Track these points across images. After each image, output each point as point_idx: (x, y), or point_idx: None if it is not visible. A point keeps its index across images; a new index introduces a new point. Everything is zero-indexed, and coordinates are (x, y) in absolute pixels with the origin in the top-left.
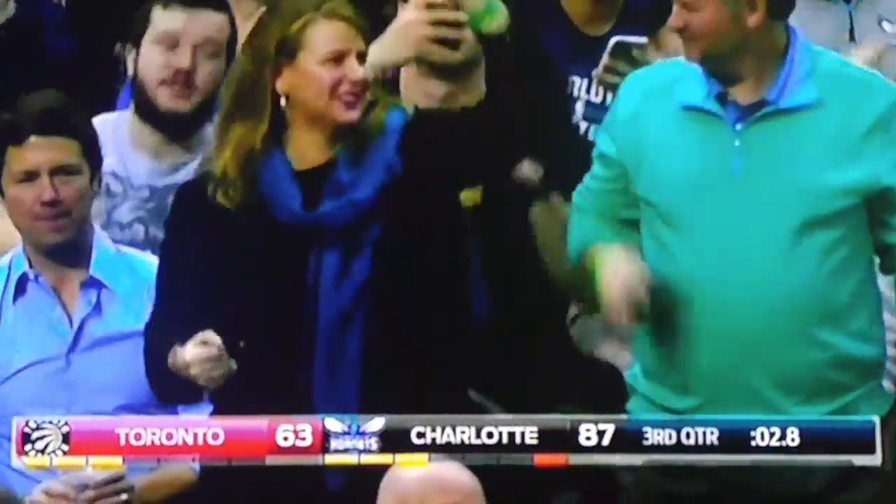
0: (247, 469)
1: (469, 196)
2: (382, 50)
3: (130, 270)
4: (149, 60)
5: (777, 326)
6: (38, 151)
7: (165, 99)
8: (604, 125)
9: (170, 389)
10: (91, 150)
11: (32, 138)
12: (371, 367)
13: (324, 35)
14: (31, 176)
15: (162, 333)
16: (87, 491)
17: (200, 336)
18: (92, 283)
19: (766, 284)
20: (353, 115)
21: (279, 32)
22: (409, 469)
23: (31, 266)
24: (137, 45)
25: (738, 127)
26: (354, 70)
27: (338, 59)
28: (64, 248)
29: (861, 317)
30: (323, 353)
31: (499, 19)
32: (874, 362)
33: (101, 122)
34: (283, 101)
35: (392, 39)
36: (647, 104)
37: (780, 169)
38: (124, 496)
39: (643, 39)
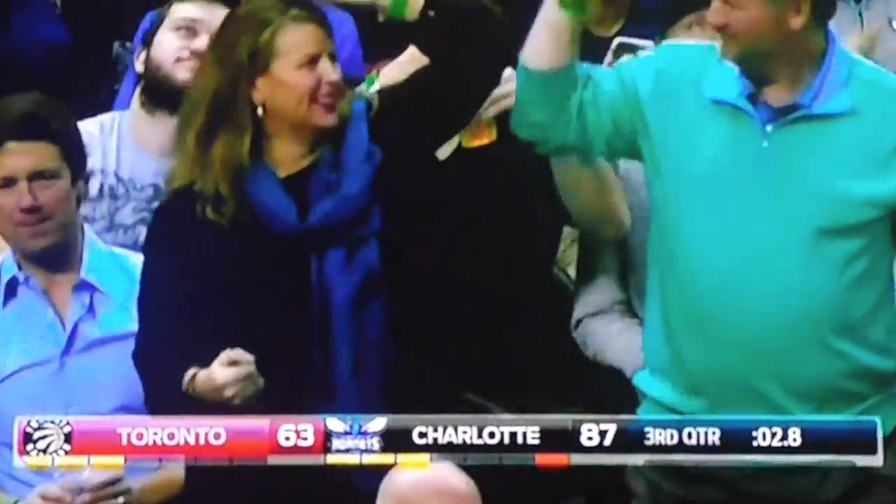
0: (246, 468)
1: (478, 135)
2: (397, 72)
3: (124, 272)
4: (166, 45)
5: (792, 333)
6: (16, 157)
7: (183, 73)
8: (636, 74)
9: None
10: (72, 153)
11: (9, 144)
12: (394, 353)
13: (296, 40)
14: (9, 182)
15: (165, 358)
16: (83, 494)
17: (227, 356)
18: (84, 286)
19: (782, 290)
20: (333, 118)
21: (249, 42)
22: (405, 472)
23: (20, 269)
24: (148, 45)
25: (769, 128)
26: (330, 72)
27: (312, 62)
28: (50, 252)
29: (880, 328)
30: (343, 346)
31: (416, 1)
32: (892, 374)
33: (99, 122)
34: (259, 112)
35: (408, 63)
36: (678, 88)
37: (806, 174)
38: (121, 499)
39: (647, 42)
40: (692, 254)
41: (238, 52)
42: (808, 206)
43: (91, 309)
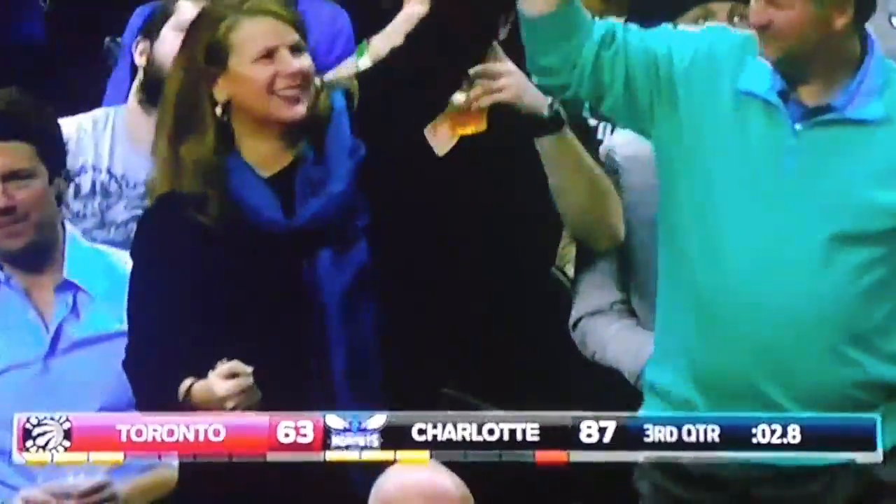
0: (244, 465)
1: (469, 123)
2: (386, 42)
3: (108, 270)
4: (170, 45)
5: (803, 338)
6: None
7: None
8: (676, 46)
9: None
10: (48, 151)
11: None
12: (391, 350)
13: (250, 34)
14: None
15: (160, 366)
16: (69, 500)
17: (226, 368)
18: (67, 286)
19: (795, 292)
20: (299, 110)
21: (206, 41)
22: (393, 475)
23: (1, 269)
24: (151, 38)
25: (798, 127)
26: (288, 64)
27: (269, 55)
28: (28, 252)
29: (893, 339)
30: (338, 344)
31: None
32: None
33: (91, 118)
34: (218, 111)
35: (397, 32)
36: (714, 73)
37: (831, 177)
38: None
39: None
40: (706, 246)
41: (195, 51)
42: (830, 209)
43: (74, 309)
